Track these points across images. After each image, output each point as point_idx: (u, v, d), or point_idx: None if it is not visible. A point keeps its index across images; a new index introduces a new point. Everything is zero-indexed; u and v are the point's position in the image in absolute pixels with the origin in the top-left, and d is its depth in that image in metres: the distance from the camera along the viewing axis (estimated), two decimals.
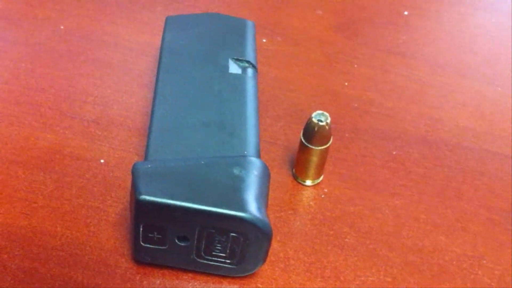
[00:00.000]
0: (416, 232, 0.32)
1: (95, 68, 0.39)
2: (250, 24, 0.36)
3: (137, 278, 0.29)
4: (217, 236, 0.27)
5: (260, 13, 0.44)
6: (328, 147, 0.31)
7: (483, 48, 0.43)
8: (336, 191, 0.33)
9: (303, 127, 0.31)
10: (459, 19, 0.46)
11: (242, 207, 0.26)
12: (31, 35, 0.40)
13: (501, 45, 0.44)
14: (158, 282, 0.29)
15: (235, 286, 0.29)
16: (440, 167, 0.35)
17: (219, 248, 0.28)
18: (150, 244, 0.28)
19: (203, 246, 0.28)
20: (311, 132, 0.31)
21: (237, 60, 0.33)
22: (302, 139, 0.31)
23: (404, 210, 0.33)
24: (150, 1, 0.44)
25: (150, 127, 0.30)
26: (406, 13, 0.46)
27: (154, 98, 0.31)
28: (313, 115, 0.30)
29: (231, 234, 0.27)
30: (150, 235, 0.27)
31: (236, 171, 0.28)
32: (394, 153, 0.36)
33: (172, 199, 0.26)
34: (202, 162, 0.28)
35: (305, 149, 0.32)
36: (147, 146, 0.29)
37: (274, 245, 0.30)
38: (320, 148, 0.31)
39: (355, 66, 0.41)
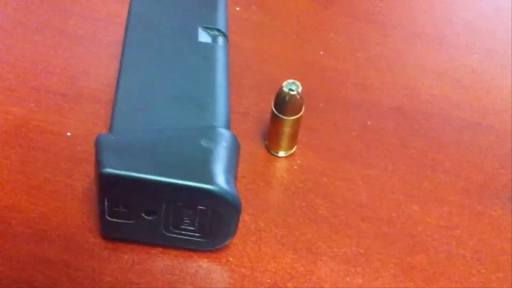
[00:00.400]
0: (389, 203, 0.31)
1: (62, 39, 0.37)
2: None
3: (105, 253, 0.28)
4: (185, 209, 0.26)
5: None
6: (300, 117, 0.31)
7: (461, 16, 0.43)
8: (309, 162, 0.33)
9: None
10: None
11: (209, 179, 0.26)
12: None
13: (480, 15, 0.43)
14: (126, 257, 0.28)
15: (205, 259, 0.28)
16: (415, 137, 0.35)
17: (188, 221, 0.27)
18: (116, 219, 0.27)
19: (171, 220, 0.27)
20: (282, 102, 0.30)
21: (207, 28, 0.32)
22: (274, 110, 0.31)
23: (378, 181, 0.32)
24: None
25: (115, 99, 0.29)
26: None
27: (120, 69, 0.30)
28: (283, 84, 0.30)
29: (200, 207, 0.26)
30: (116, 209, 0.27)
31: (204, 143, 0.27)
32: (368, 123, 0.35)
33: (137, 172, 0.25)
34: (169, 134, 0.27)
35: (277, 120, 0.31)
36: (112, 118, 0.28)
37: (245, 217, 0.30)
38: (291, 118, 0.31)
39: (331, 35, 0.40)
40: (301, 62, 0.38)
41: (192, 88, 0.29)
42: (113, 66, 0.36)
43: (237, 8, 0.41)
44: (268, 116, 0.33)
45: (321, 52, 0.39)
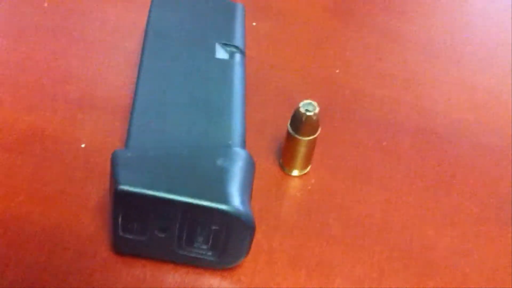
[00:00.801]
0: (404, 226, 0.31)
1: (80, 47, 0.37)
2: (239, 7, 0.35)
3: (117, 266, 0.28)
4: (199, 228, 0.26)
5: None
6: (316, 137, 0.31)
7: (479, 33, 0.42)
8: (323, 182, 0.32)
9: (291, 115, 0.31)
10: (455, 1, 0.45)
11: (225, 199, 0.26)
12: (14, 13, 0.39)
13: (498, 33, 0.43)
14: (138, 272, 0.28)
15: (217, 278, 0.28)
16: (431, 158, 0.34)
17: (201, 240, 0.27)
18: (129, 235, 0.27)
19: (184, 238, 0.27)
20: (298, 122, 0.30)
21: (224, 44, 0.32)
22: (289, 129, 0.31)
23: (392, 203, 0.32)
24: None
25: (131, 113, 0.29)
26: None
27: (137, 82, 0.30)
28: (300, 104, 0.30)
29: (214, 227, 0.26)
30: (129, 225, 0.27)
31: (219, 162, 0.27)
32: (384, 143, 0.35)
33: (152, 189, 0.25)
34: (185, 152, 0.27)
35: (292, 139, 0.31)
36: (128, 133, 0.28)
37: (258, 236, 0.30)
38: (307, 138, 0.30)
39: (347, 51, 0.40)
40: (318, 78, 0.38)
41: (209, 105, 0.29)
42: (129, 75, 0.36)
43: (254, 23, 0.41)
44: (283, 132, 0.33)
45: (337, 71, 0.39)
